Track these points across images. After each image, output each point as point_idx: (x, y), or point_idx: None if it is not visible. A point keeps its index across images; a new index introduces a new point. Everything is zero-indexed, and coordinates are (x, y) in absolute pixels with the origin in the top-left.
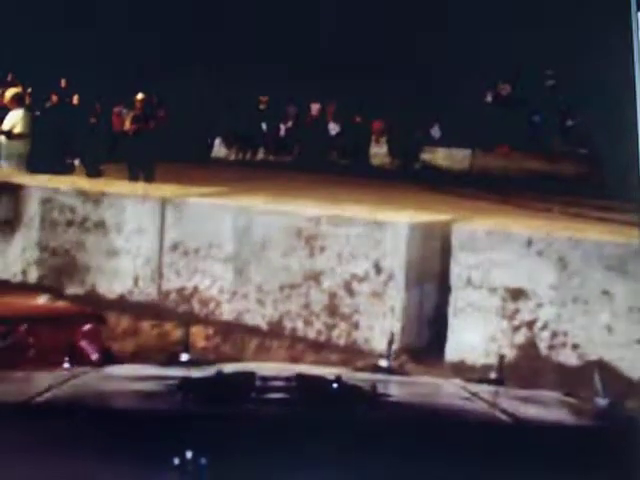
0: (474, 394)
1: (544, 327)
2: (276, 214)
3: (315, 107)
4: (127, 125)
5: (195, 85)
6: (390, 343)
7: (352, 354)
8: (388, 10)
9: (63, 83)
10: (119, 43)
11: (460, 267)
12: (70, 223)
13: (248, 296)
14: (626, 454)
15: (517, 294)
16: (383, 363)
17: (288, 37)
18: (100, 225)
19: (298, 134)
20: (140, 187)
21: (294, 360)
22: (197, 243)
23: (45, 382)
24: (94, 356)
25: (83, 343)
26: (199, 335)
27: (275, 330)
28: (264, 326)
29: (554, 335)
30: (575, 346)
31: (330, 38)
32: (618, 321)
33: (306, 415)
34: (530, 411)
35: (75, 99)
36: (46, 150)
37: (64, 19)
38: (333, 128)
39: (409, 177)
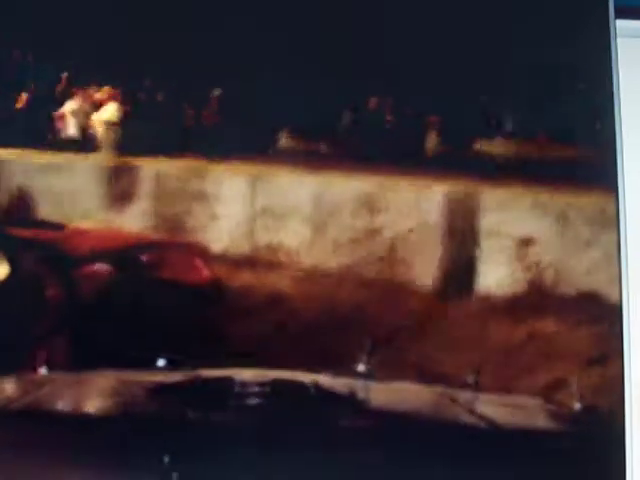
0: (452, 400)
1: (548, 266)
2: (345, 184)
3: (373, 100)
4: (204, 119)
5: (261, 80)
6: (369, 352)
7: (404, 289)
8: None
9: (147, 82)
10: (189, 42)
11: (486, 223)
12: (178, 195)
13: (325, 248)
14: (604, 458)
15: (527, 242)
16: (361, 368)
17: (351, 35)
18: (203, 196)
19: (357, 126)
20: (234, 166)
21: (360, 293)
22: (282, 208)
23: (20, 387)
24: (204, 272)
25: (198, 262)
26: (285, 278)
27: (345, 273)
28: (336, 271)
29: (556, 273)
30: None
31: (392, 37)
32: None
33: (284, 421)
34: (508, 416)
35: (159, 96)
36: (140, 139)
37: (141, 22)
38: (390, 120)
39: (461, 166)
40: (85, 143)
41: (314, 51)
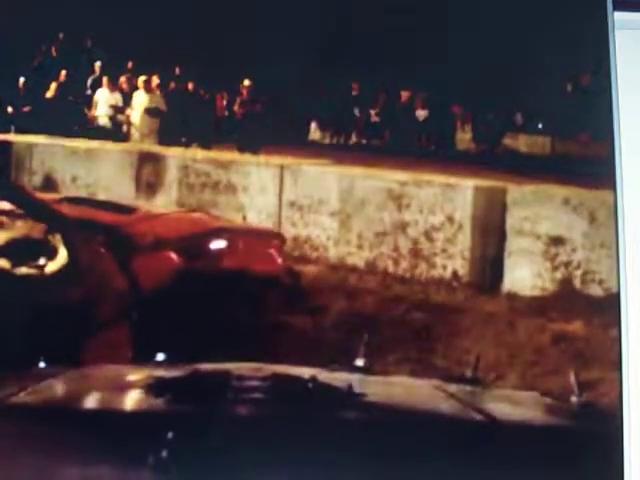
0: (450, 394)
1: (577, 267)
2: (372, 178)
3: (405, 94)
4: (236, 109)
5: (293, 71)
6: (366, 344)
7: (429, 286)
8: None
9: (177, 71)
10: (220, 33)
11: (513, 219)
12: (205, 185)
13: (350, 242)
14: (601, 452)
15: (557, 241)
16: (359, 363)
17: (383, 29)
18: (230, 187)
19: (388, 119)
20: (262, 157)
21: (385, 289)
22: (309, 201)
23: (20, 382)
24: (279, 260)
25: (272, 251)
26: (311, 272)
27: (370, 268)
28: (362, 265)
29: (585, 273)
30: (600, 281)
31: (424, 32)
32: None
33: (281, 414)
34: (505, 410)
35: (190, 86)
36: (170, 128)
37: (173, 12)
38: (421, 114)
39: (492, 161)
40: (116, 131)
41: (346, 44)
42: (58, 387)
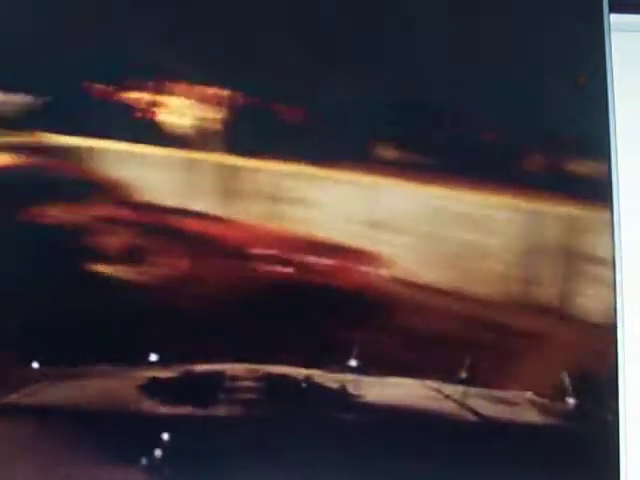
0: (444, 394)
1: None
2: (451, 199)
3: (471, 115)
4: (306, 122)
5: (356, 86)
6: (359, 343)
7: (510, 310)
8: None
9: (245, 82)
10: (288, 45)
11: (586, 244)
12: (281, 199)
13: (429, 263)
14: (595, 454)
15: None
16: (353, 363)
17: (447, 48)
18: (307, 202)
19: (451, 138)
20: (341, 173)
21: (466, 311)
22: (393, 221)
23: (12, 382)
24: (369, 277)
25: (364, 269)
26: (392, 290)
27: (452, 290)
28: (443, 287)
29: None
30: None
31: (488, 51)
32: None
33: (275, 416)
34: (499, 411)
35: (259, 98)
36: (239, 140)
37: (241, 22)
38: (488, 136)
39: (558, 185)
40: (186, 140)
41: (411, 62)
42: (50, 387)
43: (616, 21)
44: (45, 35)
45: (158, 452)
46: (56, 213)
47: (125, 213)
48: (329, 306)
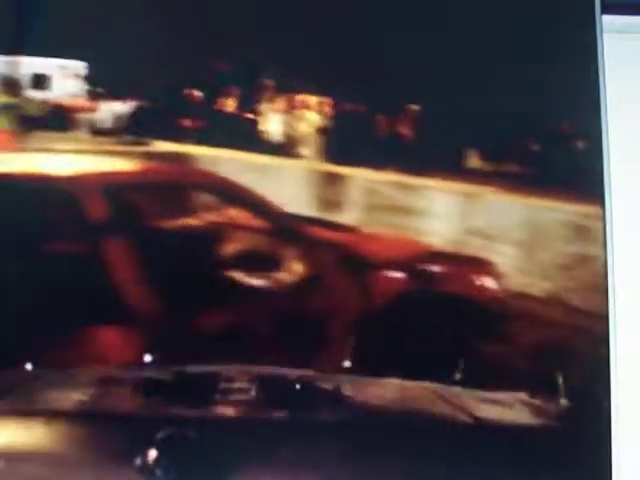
0: (440, 396)
1: None
2: (556, 210)
3: (565, 125)
4: (402, 131)
5: (450, 94)
6: (352, 345)
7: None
8: None
9: (348, 91)
10: (387, 54)
11: None
12: (386, 208)
13: (532, 273)
14: (587, 455)
15: None
16: (347, 364)
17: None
18: (414, 211)
19: (550, 150)
20: (444, 183)
21: (569, 321)
22: (494, 230)
23: (7, 382)
24: (487, 287)
25: (482, 278)
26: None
27: (553, 300)
28: (544, 297)
29: None
30: None
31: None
32: None
33: (269, 416)
34: (493, 412)
35: (359, 107)
36: (340, 148)
37: (341, 31)
38: (582, 146)
39: None
40: (287, 148)
41: (506, 71)
42: (45, 387)
43: (608, 22)
44: (150, 43)
45: (152, 452)
46: (186, 220)
47: (248, 219)
48: (453, 314)
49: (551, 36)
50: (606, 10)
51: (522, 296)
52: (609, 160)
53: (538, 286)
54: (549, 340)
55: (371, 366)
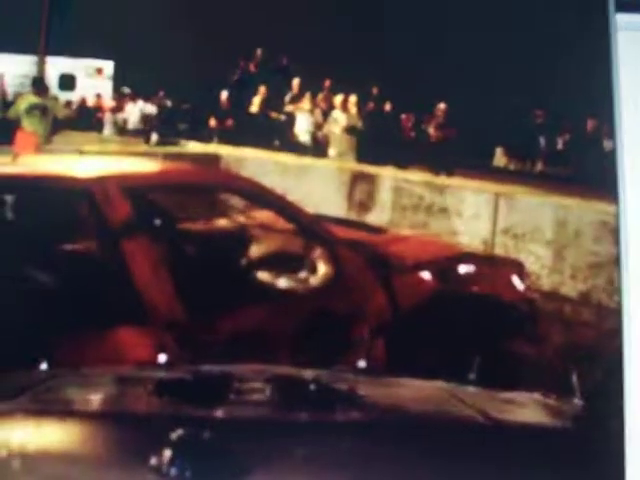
0: (453, 395)
1: None
2: (587, 210)
3: (591, 123)
4: (430, 131)
5: (478, 93)
6: (368, 345)
7: None
8: None
9: (375, 90)
10: (416, 56)
11: None
12: (417, 207)
13: (563, 272)
14: (602, 455)
15: None
16: (362, 364)
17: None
18: (443, 211)
19: (576, 148)
20: (477, 182)
21: (600, 322)
22: (524, 229)
23: (22, 383)
24: (520, 288)
25: (514, 279)
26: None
27: (584, 300)
28: (575, 296)
29: None
30: None
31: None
32: None
33: (283, 416)
34: (508, 413)
35: (387, 106)
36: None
37: (369, 35)
38: (608, 145)
39: None
40: (316, 148)
41: (528, 72)
42: (59, 388)
43: (622, 20)
44: (177, 44)
45: (167, 452)
46: (213, 222)
47: (276, 221)
48: (482, 316)
49: (572, 35)
50: (620, 8)
51: (553, 296)
52: (622, 157)
53: (570, 286)
54: (577, 340)
55: (390, 367)
